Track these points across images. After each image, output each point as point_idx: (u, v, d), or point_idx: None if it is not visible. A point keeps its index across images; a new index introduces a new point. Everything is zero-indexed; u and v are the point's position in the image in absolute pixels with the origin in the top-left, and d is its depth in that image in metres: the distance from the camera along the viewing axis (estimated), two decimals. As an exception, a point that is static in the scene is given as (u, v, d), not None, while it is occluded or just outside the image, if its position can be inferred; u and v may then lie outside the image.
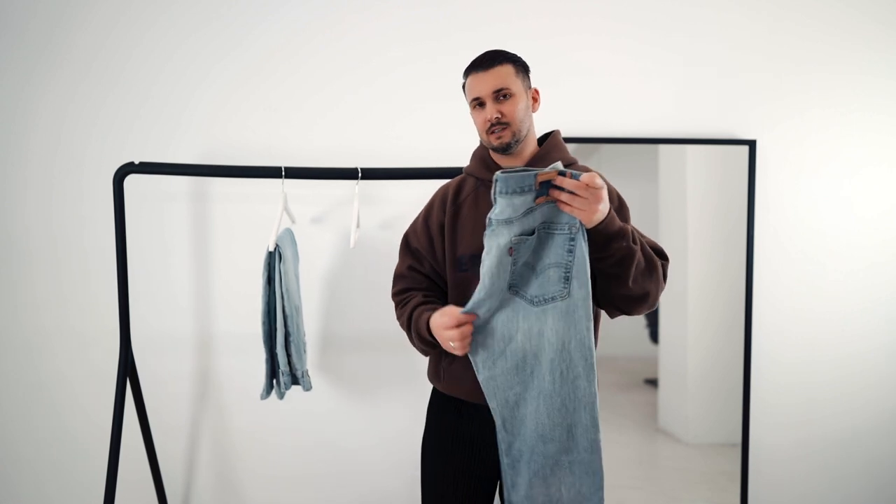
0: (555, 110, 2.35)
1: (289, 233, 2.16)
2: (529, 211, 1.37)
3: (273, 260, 2.01)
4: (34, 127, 2.29)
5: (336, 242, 2.34)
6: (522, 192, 1.35)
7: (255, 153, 2.28)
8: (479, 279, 1.46)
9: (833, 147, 2.42)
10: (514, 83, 1.53)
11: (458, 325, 1.43)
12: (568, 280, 1.41)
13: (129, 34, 2.29)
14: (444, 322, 1.44)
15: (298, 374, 2.09)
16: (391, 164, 2.17)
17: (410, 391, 2.33)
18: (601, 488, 1.45)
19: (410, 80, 2.33)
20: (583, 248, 1.39)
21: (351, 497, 2.41)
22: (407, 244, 1.69)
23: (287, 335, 2.04)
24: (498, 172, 1.37)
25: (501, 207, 1.37)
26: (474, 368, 1.49)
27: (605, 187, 1.35)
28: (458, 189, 1.64)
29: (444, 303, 1.61)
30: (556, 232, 1.40)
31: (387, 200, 2.32)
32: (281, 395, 2.07)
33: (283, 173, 2.01)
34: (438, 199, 1.66)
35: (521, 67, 1.57)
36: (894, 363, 2.47)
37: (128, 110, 2.30)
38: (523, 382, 1.46)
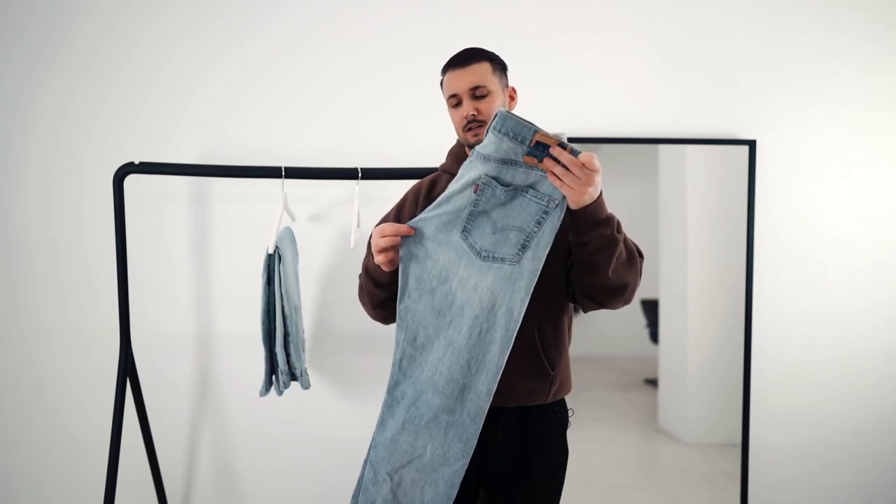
0: (555, 110, 2.36)
1: (289, 232, 2.17)
2: (512, 163, 1.34)
3: (272, 261, 2.01)
4: (34, 127, 2.29)
5: (336, 242, 2.34)
6: (515, 138, 1.31)
7: (255, 153, 2.28)
8: None
9: (833, 147, 2.42)
10: (491, 81, 1.53)
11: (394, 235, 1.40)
12: (524, 248, 1.38)
13: (129, 34, 2.29)
14: (381, 229, 1.42)
15: (297, 372, 2.09)
16: (391, 164, 2.17)
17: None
18: (466, 456, 1.43)
19: (410, 80, 2.33)
20: (552, 225, 1.36)
21: (350, 494, 2.40)
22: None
23: (286, 335, 2.04)
24: (501, 109, 1.33)
25: (488, 141, 1.34)
26: (399, 294, 1.44)
27: (600, 174, 1.32)
28: (432, 186, 1.63)
29: None
30: (532, 198, 1.37)
31: (387, 200, 2.30)
32: (279, 392, 2.07)
33: (283, 173, 2.01)
34: (411, 195, 1.66)
35: (499, 66, 1.57)
36: (894, 363, 2.46)
37: (128, 110, 2.30)
38: (438, 328, 1.42)
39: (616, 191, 2.47)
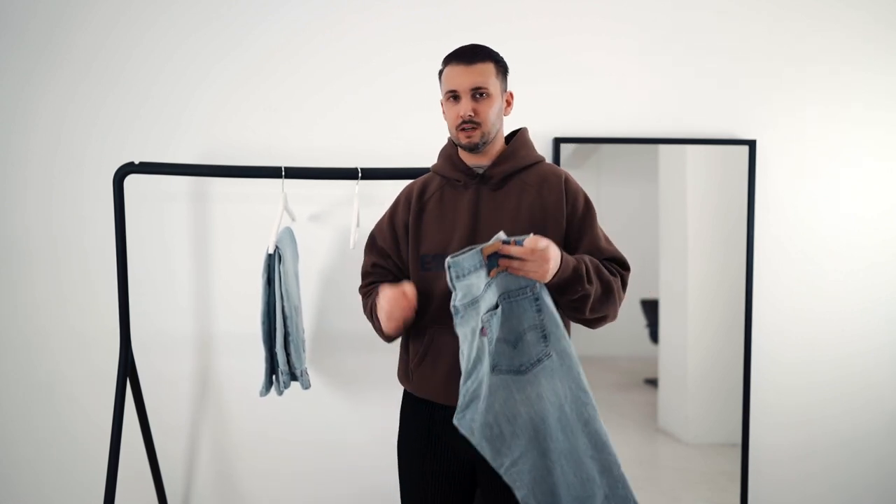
0: (555, 110, 2.36)
1: (289, 232, 2.17)
2: (487, 286, 1.39)
3: (273, 261, 2.01)
4: (34, 127, 2.29)
5: (336, 242, 2.34)
6: (476, 270, 1.37)
7: (255, 153, 2.28)
8: (443, 278, 1.46)
9: (833, 147, 2.42)
10: (493, 84, 1.52)
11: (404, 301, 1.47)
12: (546, 338, 1.42)
13: (129, 34, 2.29)
14: (393, 299, 1.49)
15: (297, 372, 2.09)
16: (391, 164, 2.17)
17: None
18: None
19: (410, 80, 2.33)
20: (548, 302, 1.42)
21: (351, 494, 2.41)
22: (373, 242, 1.69)
23: (286, 335, 2.04)
24: (448, 259, 1.38)
25: (463, 292, 1.40)
26: (494, 464, 1.43)
27: (550, 245, 1.36)
28: (424, 188, 1.63)
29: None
30: (519, 298, 1.41)
31: (387, 200, 2.30)
32: (280, 392, 2.07)
33: (283, 173, 2.01)
34: (404, 198, 1.65)
35: (502, 68, 1.56)
36: (894, 363, 2.46)
37: (128, 110, 2.30)
38: (543, 454, 1.43)
39: (616, 191, 2.49)
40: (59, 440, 2.35)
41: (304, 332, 2.17)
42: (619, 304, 1.53)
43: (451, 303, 1.41)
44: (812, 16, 2.40)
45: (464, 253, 1.37)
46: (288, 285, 2.05)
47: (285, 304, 2.02)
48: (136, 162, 2.02)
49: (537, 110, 2.34)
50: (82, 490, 2.34)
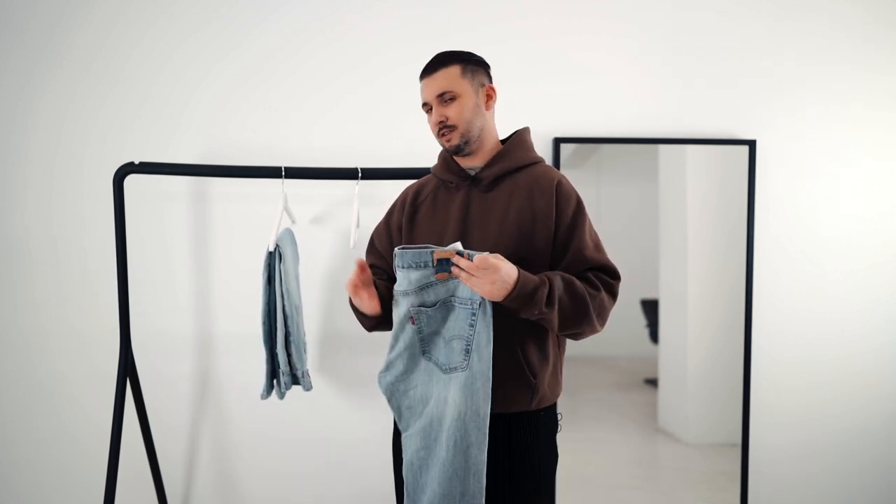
0: (555, 110, 2.36)
1: (289, 233, 2.16)
2: (428, 285, 1.45)
3: (273, 260, 2.01)
4: (34, 127, 2.29)
5: (336, 242, 2.34)
6: (419, 266, 1.44)
7: (255, 153, 2.28)
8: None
9: (833, 147, 2.42)
10: (460, 84, 1.52)
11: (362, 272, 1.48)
12: (468, 353, 1.45)
13: (129, 34, 2.30)
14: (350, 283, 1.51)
15: (299, 373, 2.09)
16: (391, 164, 2.17)
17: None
18: None
19: (410, 80, 2.30)
20: (484, 322, 1.44)
21: (351, 494, 2.41)
22: (372, 243, 1.72)
23: (287, 335, 2.04)
24: (397, 248, 1.46)
25: (399, 279, 1.48)
26: (400, 426, 1.54)
27: (501, 268, 1.36)
28: (419, 190, 1.65)
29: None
30: (458, 305, 1.47)
31: (387, 200, 2.31)
32: (281, 396, 2.07)
33: (283, 173, 2.01)
34: (400, 201, 1.68)
35: (472, 65, 1.55)
36: (894, 363, 2.47)
37: (128, 110, 2.30)
38: (428, 448, 1.50)
39: (616, 191, 2.49)
40: (59, 440, 2.35)
41: (305, 333, 2.17)
42: (604, 315, 1.51)
43: (395, 287, 1.49)
44: (812, 16, 2.40)
45: (415, 248, 1.45)
46: (288, 284, 2.04)
47: (286, 303, 2.02)
48: (136, 162, 2.02)
49: (537, 110, 2.34)
50: (82, 490, 2.34)
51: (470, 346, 1.45)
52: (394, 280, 1.61)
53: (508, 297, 1.38)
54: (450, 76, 1.52)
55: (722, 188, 2.44)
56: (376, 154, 2.28)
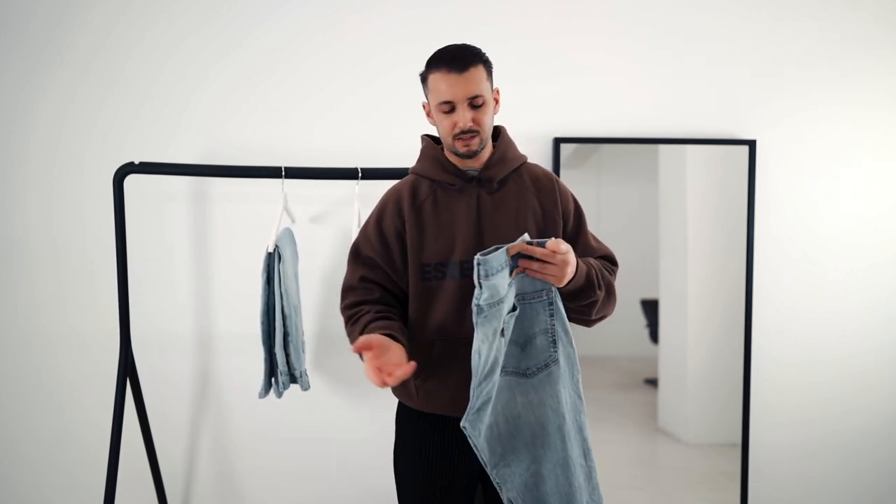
0: (555, 110, 2.36)
1: (288, 232, 2.16)
2: (509, 286, 1.37)
3: (272, 261, 2.01)
4: (34, 127, 2.29)
5: (336, 242, 2.34)
6: (501, 269, 1.34)
7: (255, 153, 2.28)
8: (443, 289, 1.47)
9: (833, 147, 2.42)
10: (486, 89, 1.47)
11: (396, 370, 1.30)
12: (555, 343, 1.43)
13: (129, 34, 2.29)
14: (390, 359, 1.33)
15: (297, 373, 2.09)
16: (391, 164, 2.17)
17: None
18: None
19: (410, 79, 2.30)
20: (560, 307, 1.43)
21: (350, 495, 2.41)
22: (357, 254, 1.56)
23: (286, 335, 2.04)
24: (478, 256, 1.31)
25: (490, 291, 1.34)
26: (483, 462, 1.41)
27: (570, 250, 1.36)
28: (414, 192, 1.54)
29: (402, 312, 1.53)
30: (534, 301, 1.41)
31: (387, 200, 2.32)
32: (279, 394, 2.07)
33: (283, 173, 2.01)
34: (391, 204, 1.55)
35: (489, 67, 1.50)
36: (894, 363, 2.46)
37: (128, 110, 2.30)
38: (537, 459, 1.41)
39: (616, 191, 2.49)
40: (59, 440, 2.35)
41: (303, 333, 2.17)
42: (614, 303, 1.57)
43: (475, 302, 1.34)
44: (812, 16, 2.40)
45: (492, 252, 1.33)
46: (287, 285, 2.04)
47: (284, 303, 2.02)
48: (136, 162, 2.02)
49: (537, 110, 2.34)
50: (82, 490, 2.34)
51: (555, 337, 1.42)
52: (393, 292, 1.54)
53: (571, 281, 1.38)
54: (478, 79, 1.44)
55: (722, 188, 2.44)
56: (376, 154, 2.28)
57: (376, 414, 2.37)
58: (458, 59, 1.43)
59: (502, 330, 1.37)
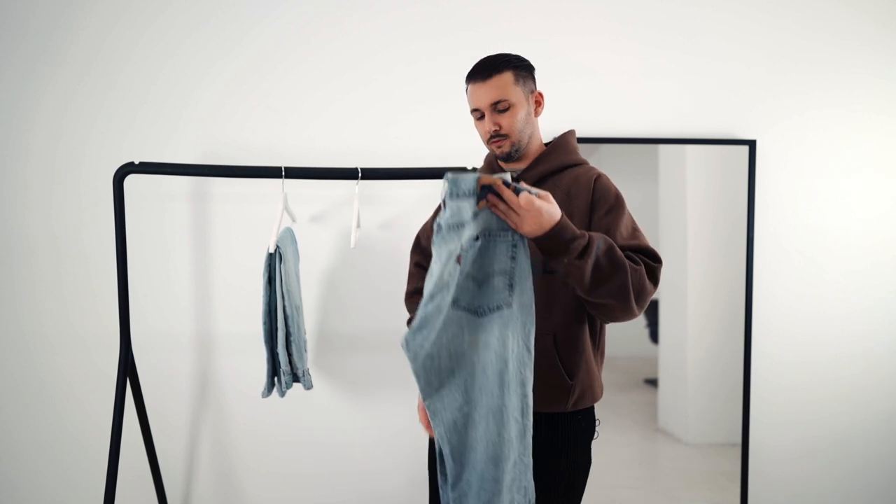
0: (555, 110, 2.35)
1: (289, 232, 2.16)
2: (475, 215, 1.33)
3: (273, 261, 2.01)
4: (34, 127, 2.29)
5: (336, 242, 2.34)
6: (467, 195, 1.31)
7: (255, 153, 2.28)
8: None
9: (833, 147, 2.42)
10: (514, 93, 1.50)
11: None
12: (511, 287, 1.38)
13: (129, 34, 2.29)
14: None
15: (299, 373, 2.09)
16: (391, 164, 2.17)
17: (411, 390, 2.33)
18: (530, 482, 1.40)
19: (410, 79, 2.33)
20: (524, 253, 1.37)
21: (351, 496, 2.41)
22: (417, 243, 1.77)
23: (288, 335, 2.04)
24: (447, 174, 1.31)
25: (452, 211, 1.31)
26: (423, 394, 1.39)
27: (547, 210, 1.31)
28: None
29: None
30: (498, 239, 1.37)
31: (387, 200, 2.32)
32: (282, 394, 2.07)
33: (283, 173, 2.01)
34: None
35: (523, 72, 1.54)
36: (894, 363, 2.47)
37: (128, 110, 2.30)
38: (471, 401, 1.38)
39: (616, 191, 2.48)
40: (59, 440, 2.35)
41: (305, 333, 2.17)
42: (644, 297, 1.42)
43: (437, 220, 1.34)
44: (812, 16, 2.40)
45: (464, 174, 1.32)
46: (289, 285, 2.04)
47: (286, 303, 2.02)
48: (136, 162, 2.01)
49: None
50: (82, 490, 2.34)
51: (513, 281, 1.37)
52: None
53: (544, 236, 1.33)
54: (503, 84, 1.50)
55: (722, 188, 2.44)
56: (376, 154, 2.28)
57: (377, 415, 2.38)
58: (482, 69, 1.51)
59: (458, 256, 1.34)
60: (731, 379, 2.41)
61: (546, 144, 1.62)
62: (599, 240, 1.38)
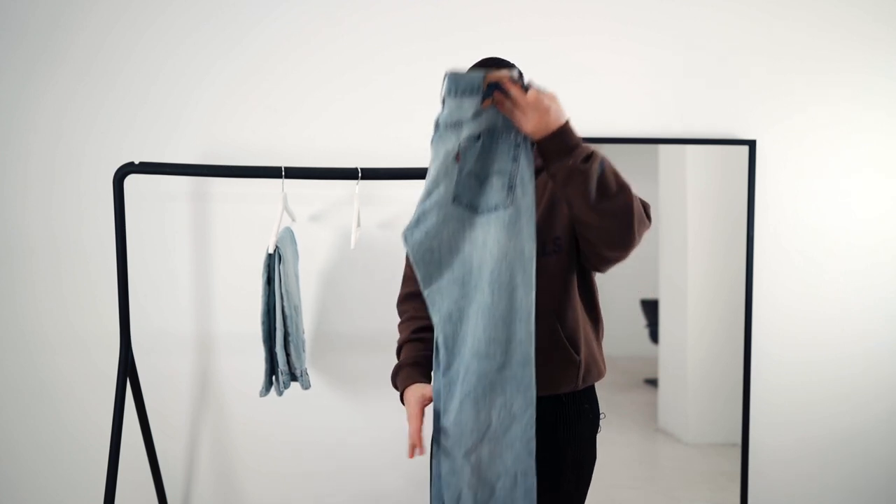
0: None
1: (289, 232, 2.16)
2: (477, 115, 1.33)
3: (272, 261, 2.01)
4: (34, 127, 2.29)
5: (336, 242, 2.34)
6: (472, 93, 1.31)
7: (255, 153, 2.28)
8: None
9: (833, 147, 2.42)
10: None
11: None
12: (511, 188, 1.37)
13: (129, 34, 2.29)
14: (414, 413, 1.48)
15: (297, 373, 2.09)
16: (391, 164, 2.17)
17: (410, 391, 2.33)
18: (532, 405, 1.37)
19: (410, 79, 2.33)
20: (525, 156, 1.37)
21: (350, 495, 2.41)
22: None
23: (286, 335, 2.04)
24: (448, 70, 1.31)
25: (450, 109, 1.33)
26: (422, 285, 1.42)
27: (555, 110, 1.30)
28: None
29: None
30: (500, 139, 1.36)
31: (387, 200, 2.32)
32: (279, 393, 2.07)
33: (283, 173, 2.01)
34: None
35: (518, 74, 1.56)
36: (894, 363, 2.46)
37: (128, 110, 2.30)
38: (467, 296, 1.40)
39: (616, 191, 2.48)
40: (59, 440, 2.35)
41: (304, 333, 2.17)
42: (642, 223, 1.38)
43: (435, 118, 1.35)
44: (812, 15, 2.40)
45: (468, 72, 1.32)
46: (288, 285, 2.04)
47: (285, 303, 2.02)
48: (136, 162, 2.01)
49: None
50: (82, 490, 2.34)
51: (513, 182, 1.36)
52: None
53: (550, 136, 1.31)
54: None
55: (722, 188, 2.44)
56: (376, 154, 2.28)
57: (376, 414, 2.37)
58: (488, 62, 1.54)
59: (458, 154, 1.35)
60: (731, 379, 2.41)
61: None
62: (605, 156, 1.35)
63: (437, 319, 1.42)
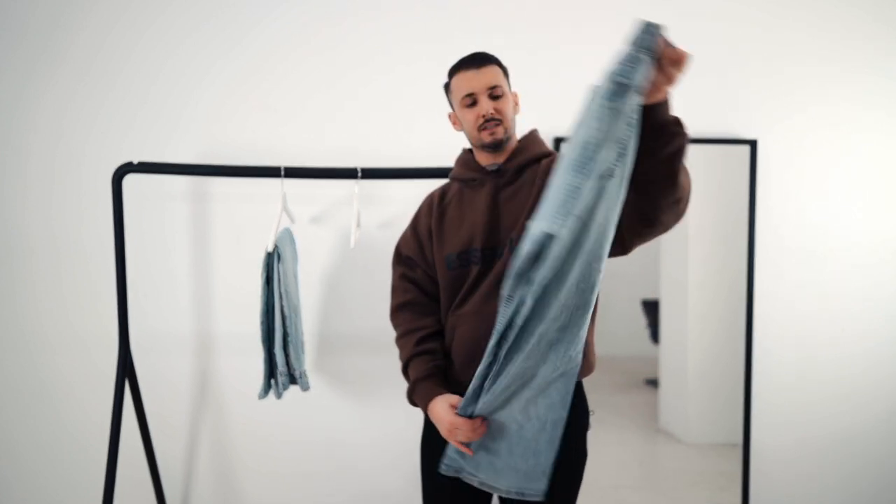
0: (555, 110, 2.35)
1: (288, 232, 2.16)
2: (642, 75, 1.24)
3: (272, 261, 2.01)
4: (34, 126, 2.29)
5: (336, 242, 2.34)
6: (650, 46, 1.22)
7: (255, 153, 2.28)
8: (468, 276, 1.51)
9: (834, 146, 2.42)
10: (504, 83, 1.59)
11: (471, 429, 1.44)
12: (622, 157, 1.26)
13: (129, 34, 2.29)
14: (458, 425, 1.46)
15: (296, 374, 2.09)
16: (391, 164, 2.17)
17: (410, 391, 2.33)
18: (576, 361, 1.39)
19: (410, 79, 2.33)
20: (636, 123, 1.27)
21: (350, 496, 2.40)
22: (398, 254, 1.73)
23: (285, 335, 2.04)
24: (640, 18, 1.23)
25: (623, 65, 1.23)
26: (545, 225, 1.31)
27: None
28: (443, 193, 1.69)
29: (437, 305, 1.63)
30: (624, 106, 1.26)
31: (387, 200, 2.32)
32: (279, 395, 2.07)
33: (283, 173, 2.01)
34: (425, 207, 1.70)
35: (505, 71, 1.62)
36: (894, 363, 2.46)
37: (127, 110, 2.30)
38: (572, 260, 1.31)
39: (616, 191, 2.47)
40: (59, 440, 2.35)
41: (303, 333, 2.17)
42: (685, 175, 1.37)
43: (611, 77, 1.26)
44: (813, 15, 2.39)
45: (627, 52, 1.20)
46: (287, 285, 2.04)
47: (284, 304, 2.02)
48: (136, 162, 2.01)
49: (537, 110, 2.33)
50: (82, 490, 2.34)
51: (626, 150, 1.26)
52: (427, 289, 1.65)
53: (665, 101, 1.27)
54: (496, 74, 1.57)
55: (722, 188, 2.44)
56: (376, 154, 2.28)
57: (376, 415, 2.37)
58: (475, 59, 1.58)
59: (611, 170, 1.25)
60: (731, 379, 2.41)
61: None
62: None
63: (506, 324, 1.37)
